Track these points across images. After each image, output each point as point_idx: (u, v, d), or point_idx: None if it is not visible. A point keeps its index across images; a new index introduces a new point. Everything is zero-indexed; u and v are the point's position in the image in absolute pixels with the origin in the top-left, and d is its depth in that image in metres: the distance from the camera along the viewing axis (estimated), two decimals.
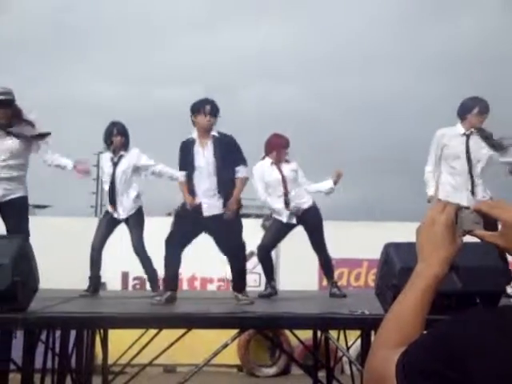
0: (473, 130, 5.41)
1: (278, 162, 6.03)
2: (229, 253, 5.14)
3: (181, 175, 5.16)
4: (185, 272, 10.22)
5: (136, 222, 6.00)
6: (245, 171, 5.15)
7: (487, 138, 5.38)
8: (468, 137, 5.41)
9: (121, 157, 5.95)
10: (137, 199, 6.04)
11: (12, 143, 5.17)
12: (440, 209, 1.11)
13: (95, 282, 5.85)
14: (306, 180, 6.15)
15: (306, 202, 6.00)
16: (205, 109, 5.05)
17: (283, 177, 5.99)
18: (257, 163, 6.05)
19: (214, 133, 5.09)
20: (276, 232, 6.06)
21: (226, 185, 5.02)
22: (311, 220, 5.99)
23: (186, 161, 5.10)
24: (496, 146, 5.37)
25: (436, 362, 0.88)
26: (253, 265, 10.36)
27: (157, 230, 10.11)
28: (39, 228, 8.68)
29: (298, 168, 6.14)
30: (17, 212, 5.17)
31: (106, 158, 6.05)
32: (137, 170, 6.00)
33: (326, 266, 6.11)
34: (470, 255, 2.84)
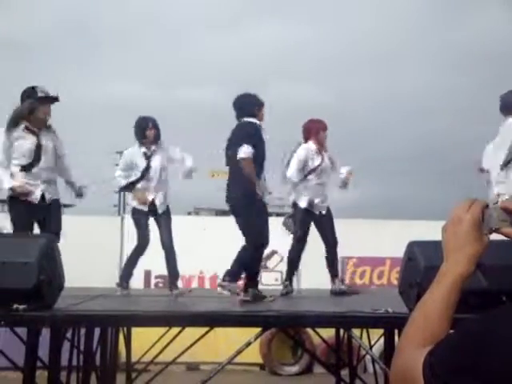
0: None
1: (321, 148, 6.00)
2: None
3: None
4: (207, 271, 10.26)
5: (168, 218, 5.97)
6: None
7: None
8: None
9: (154, 151, 5.94)
10: (168, 196, 6.05)
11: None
12: (466, 207, 1.10)
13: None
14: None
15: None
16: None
17: (325, 165, 5.98)
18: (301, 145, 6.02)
19: None
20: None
21: None
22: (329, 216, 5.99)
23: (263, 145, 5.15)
24: None
25: (464, 361, 0.88)
26: (274, 263, 10.39)
27: (178, 229, 10.18)
28: (64, 227, 8.79)
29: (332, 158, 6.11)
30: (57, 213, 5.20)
31: (138, 153, 5.97)
32: (171, 161, 6.01)
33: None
34: (496, 253, 2.81)
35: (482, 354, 0.86)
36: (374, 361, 5.26)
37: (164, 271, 9.63)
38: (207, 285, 10.32)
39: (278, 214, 13.89)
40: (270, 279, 10.13)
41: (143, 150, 5.94)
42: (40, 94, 5.10)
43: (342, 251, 10.13)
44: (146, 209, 5.91)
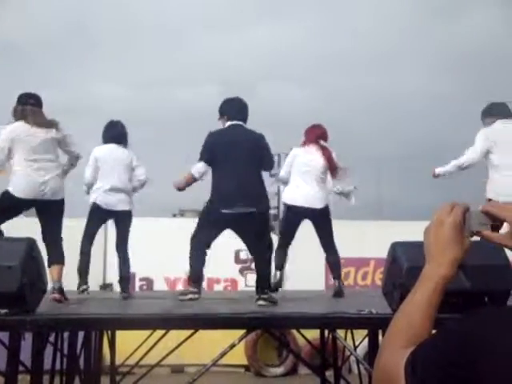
0: None
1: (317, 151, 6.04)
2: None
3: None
4: None
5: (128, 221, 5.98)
6: None
7: None
8: None
9: None
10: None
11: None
12: (448, 210, 1.11)
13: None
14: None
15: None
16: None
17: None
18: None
19: None
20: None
21: None
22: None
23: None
24: None
25: (446, 361, 0.88)
26: None
27: (163, 231, 10.13)
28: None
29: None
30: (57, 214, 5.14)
31: None
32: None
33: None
34: (478, 254, 2.84)
35: (464, 354, 0.87)
36: (358, 361, 5.28)
37: (149, 274, 9.61)
38: None
39: None
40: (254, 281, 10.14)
41: None
42: (30, 101, 5.05)
43: None
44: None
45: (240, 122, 5.07)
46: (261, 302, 4.55)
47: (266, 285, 4.84)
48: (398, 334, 1.05)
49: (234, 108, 5.13)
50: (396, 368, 0.95)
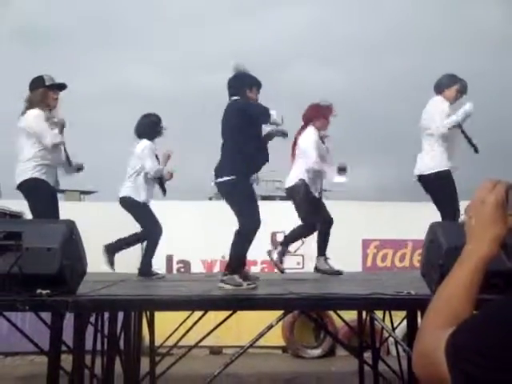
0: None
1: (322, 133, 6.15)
2: None
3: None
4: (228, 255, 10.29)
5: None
6: None
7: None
8: None
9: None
10: None
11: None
12: (490, 188, 1.08)
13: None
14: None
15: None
16: (259, 87, 5.04)
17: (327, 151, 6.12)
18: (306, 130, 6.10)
19: None
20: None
21: None
22: None
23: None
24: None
25: (487, 343, 0.86)
26: (295, 247, 10.37)
27: (200, 214, 10.20)
28: (86, 213, 8.86)
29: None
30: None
31: (153, 147, 6.21)
32: None
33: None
34: None
35: (505, 337, 0.85)
36: (397, 343, 5.24)
37: (186, 256, 9.71)
38: None
39: (281, 198, 13.81)
40: (291, 263, 10.14)
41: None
42: (47, 82, 5.30)
43: (363, 234, 10.17)
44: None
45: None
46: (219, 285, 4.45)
47: (229, 265, 4.66)
48: (437, 315, 1.03)
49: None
50: (436, 349, 0.94)
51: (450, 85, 5.60)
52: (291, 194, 6.10)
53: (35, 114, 5.19)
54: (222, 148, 4.85)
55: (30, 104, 5.25)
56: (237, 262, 4.67)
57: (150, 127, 6.18)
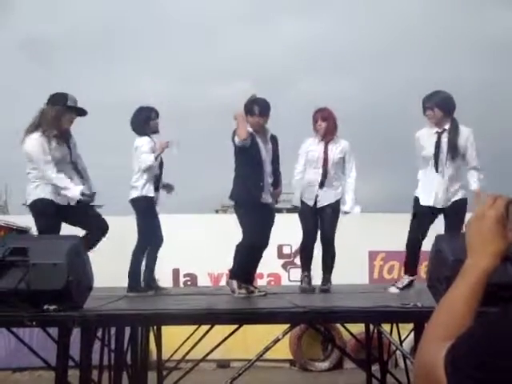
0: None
1: (322, 139, 5.88)
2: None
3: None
4: None
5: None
6: None
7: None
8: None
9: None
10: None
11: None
12: (490, 202, 1.09)
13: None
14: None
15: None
16: (254, 109, 5.23)
17: (326, 156, 5.83)
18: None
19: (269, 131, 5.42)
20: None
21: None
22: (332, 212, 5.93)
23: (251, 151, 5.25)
24: None
25: (485, 355, 0.87)
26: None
27: (206, 227, 10.18)
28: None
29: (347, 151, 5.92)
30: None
31: (151, 142, 5.87)
32: None
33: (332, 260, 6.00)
34: None
35: (504, 348, 0.85)
36: (404, 356, 5.22)
37: (192, 269, 9.65)
38: None
39: (288, 210, 13.77)
40: (298, 275, 10.11)
41: (151, 140, 5.90)
42: (69, 103, 5.06)
43: (369, 246, 10.14)
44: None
45: None
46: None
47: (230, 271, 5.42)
48: (438, 327, 1.04)
49: None
50: (436, 361, 0.94)
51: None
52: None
53: (33, 143, 4.91)
54: None
55: (39, 121, 4.98)
56: (237, 270, 5.28)
57: (142, 123, 5.87)
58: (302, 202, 5.92)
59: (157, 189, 5.93)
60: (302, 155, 5.92)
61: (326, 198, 5.84)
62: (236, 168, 5.35)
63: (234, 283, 5.17)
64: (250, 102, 5.29)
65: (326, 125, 5.83)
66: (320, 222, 5.91)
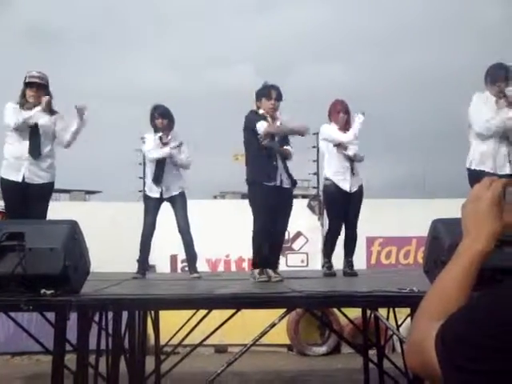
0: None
1: (342, 128, 6.15)
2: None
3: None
4: (232, 254, 10.30)
5: (182, 203, 6.09)
6: None
7: None
8: None
9: (169, 139, 6.14)
10: (182, 181, 6.20)
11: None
12: (486, 184, 1.08)
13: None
14: None
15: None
16: (272, 94, 5.31)
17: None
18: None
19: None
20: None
21: None
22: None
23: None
24: None
25: (475, 334, 0.87)
26: (299, 245, 10.39)
27: (205, 213, 10.21)
28: (91, 213, 8.87)
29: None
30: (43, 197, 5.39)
31: (153, 139, 6.15)
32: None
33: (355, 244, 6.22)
34: None
35: (495, 324, 0.85)
36: (401, 340, 5.25)
37: None
38: (233, 268, 10.37)
39: (303, 196, 13.87)
40: (295, 261, 10.14)
41: (157, 136, 6.16)
42: (27, 80, 5.42)
43: (367, 231, 10.16)
44: (157, 195, 6.05)
45: None
46: None
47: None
48: (430, 307, 1.04)
49: None
50: (427, 339, 0.95)
51: None
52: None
53: (6, 106, 5.38)
54: None
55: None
56: (255, 257, 5.32)
57: (150, 119, 6.25)
58: (336, 186, 6.06)
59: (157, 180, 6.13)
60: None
61: (355, 183, 6.13)
62: (248, 151, 5.41)
63: (255, 272, 5.21)
64: (267, 86, 5.38)
65: (347, 117, 6.20)
66: (350, 206, 6.10)
